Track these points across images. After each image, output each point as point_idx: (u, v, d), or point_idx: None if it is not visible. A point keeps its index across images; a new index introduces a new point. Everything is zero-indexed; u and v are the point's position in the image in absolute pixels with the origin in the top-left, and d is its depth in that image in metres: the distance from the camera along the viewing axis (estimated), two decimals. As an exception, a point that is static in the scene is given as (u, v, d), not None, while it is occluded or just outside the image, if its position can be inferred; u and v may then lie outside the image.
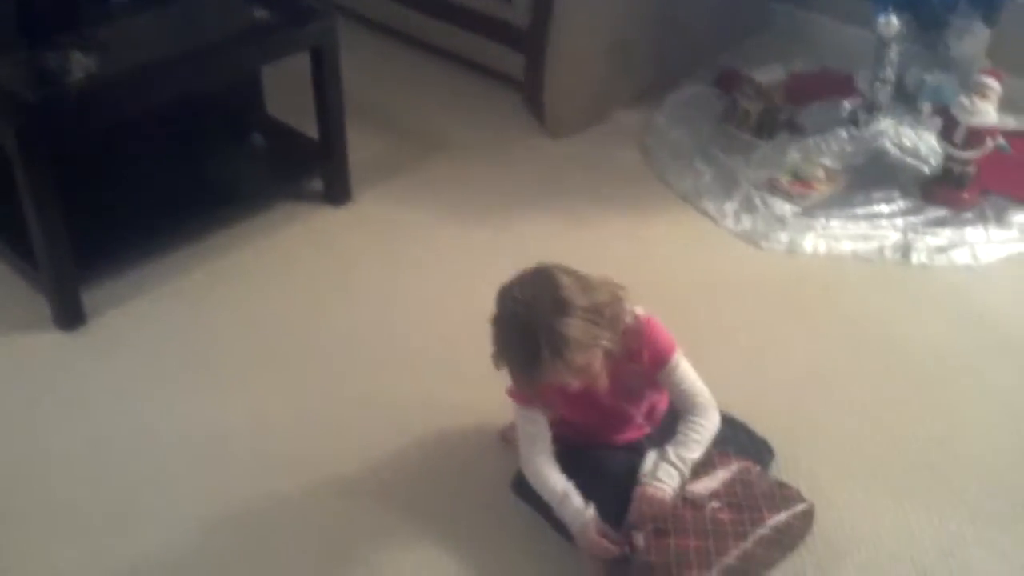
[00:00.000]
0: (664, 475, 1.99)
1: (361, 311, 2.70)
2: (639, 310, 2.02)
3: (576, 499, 2.01)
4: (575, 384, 1.93)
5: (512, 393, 2.05)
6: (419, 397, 2.43)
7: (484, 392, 2.12)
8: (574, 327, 1.85)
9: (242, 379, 2.50)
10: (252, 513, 2.18)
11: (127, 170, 2.90)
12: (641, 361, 2.02)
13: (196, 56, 2.64)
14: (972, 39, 3.31)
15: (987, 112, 2.89)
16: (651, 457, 2.04)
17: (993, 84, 2.88)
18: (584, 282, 1.91)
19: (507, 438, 2.27)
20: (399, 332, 2.63)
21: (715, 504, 1.99)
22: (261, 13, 2.75)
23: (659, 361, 2.03)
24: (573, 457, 2.09)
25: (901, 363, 2.51)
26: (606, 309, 1.91)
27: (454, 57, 3.66)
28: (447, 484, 2.23)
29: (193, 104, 2.90)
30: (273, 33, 2.75)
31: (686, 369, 2.06)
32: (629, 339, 1.98)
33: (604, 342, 1.91)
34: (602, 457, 2.10)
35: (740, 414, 2.19)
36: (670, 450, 2.02)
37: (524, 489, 2.13)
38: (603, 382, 1.98)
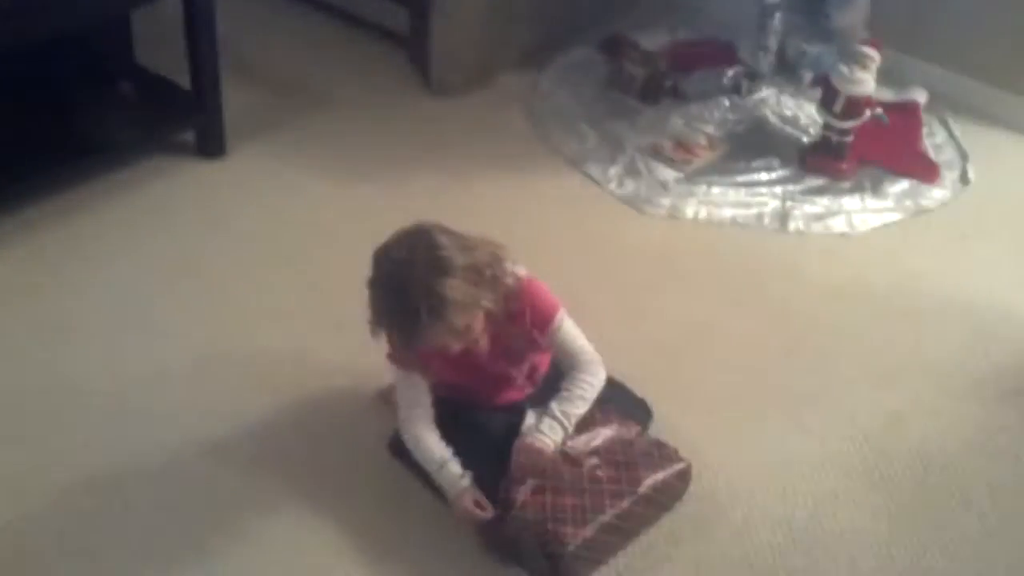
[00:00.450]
0: (546, 428, 1.96)
1: (234, 268, 2.60)
2: (520, 271, 1.97)
3: (453, 466, 1.97)
4: (455, 347, 1.88)
5: (391, 357, 2.00)
6: (294, 356, 2.35)
7: (362, 352, 2.05)
8: (454, 288, 1.79)
9: (106, 339, 2.38)
10: (113, 474, 2.08)
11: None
12: (523, 322, 1.98)
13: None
14: (852, 10, 3.37)
15: (866, 82, 2.93)
16: (533, 413, 2.02)
17: (872, 55, 2.92)
18: (463, 242, 1.86)
19: (386, 399, 2.22)
20: (274, 289, 2.54)
21: (594, 461, 1.98)
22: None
23: (542, 321, 1.99)
24: (452, 418, 2.04)
25: (777, 327, 2.53)
26: (486, 269, 1.86)
27: (339, 12, 3.56)
28: (322, 445, 2.16)
29: (55, 50, 2.74)
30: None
31: (569, 328, 2.02)
32: (510, 300, 1.93)
33: (485, 303, 1.86)
34: (481, 418, 2.07)
35: (619, 375, 2.18)
36: (554, 405, 1.99)
37: (401, 450, 2.09)
38: (484, 344, 1.94)
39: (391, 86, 3.32)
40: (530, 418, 2.01)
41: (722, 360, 2.43)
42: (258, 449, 2.15)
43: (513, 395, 2.11)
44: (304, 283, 2.56)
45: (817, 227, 2.86)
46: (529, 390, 2.12)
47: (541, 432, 1.96)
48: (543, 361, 2.14)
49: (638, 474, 1.97)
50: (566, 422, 1.98)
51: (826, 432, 2.26)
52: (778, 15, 3.19)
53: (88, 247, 2.62)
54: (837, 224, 2.87)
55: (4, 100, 2.75)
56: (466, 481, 1.96)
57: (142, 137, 2.88)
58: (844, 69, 2.94)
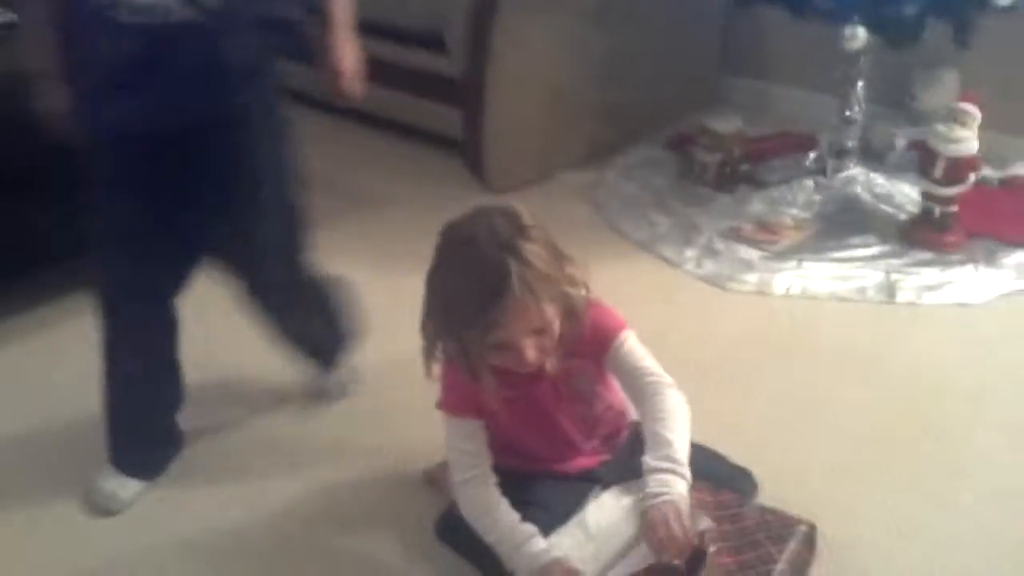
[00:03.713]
0: (659, 486, 1.53)
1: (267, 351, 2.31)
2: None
3: (535, 543, 1.56)
4: (531, 352, 1.54)
5: (445, 401, 1.67)
6: (328, 439, 2.06)
7: (404, 434, 1.94)
8: (537, 254, 1.52)
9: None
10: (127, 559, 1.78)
11: None
12: (584, 347, 1.64)
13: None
14: (941, 89, 3.11)
15: (967, 140, 2.62)
16: (613, 493, 1.64)
17: (971, 110, 2.62)
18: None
19: (432, 479, 1.87)
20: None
21: (712, 548, 1.55)
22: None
23: (604, 339, 1.65)
24: (511, 489, 1.65)
25: (890, 391, 2.16)
26: (564, 260, 1.59)
27: (388, 121, 3.40)
28: (362, 533, 1.82)
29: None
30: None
31: (634, 347, 1.67)
32: (575, 323, 1.61)
33: (568, 289, 1.58)
34: (547, 488, 1.69)
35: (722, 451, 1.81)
36: (650, 458, 1.57)
37: (450, 534, 1.74)
38: (552, 367, 1.61)
39: (445, 186, 3.09)
40: (608, 498, 1.63)
41: (833, 426, 2.05)
42: (289, 537, 1.81)
43: (584, 461, 1.74)
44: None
45: (930, 297, 2.49)
46: (604, 456, 1.75)
47: (657, 495, 1.52)
48: (618, 422, 1.78)
49: (768, 551, 1.57)
50: (677, 466, 1.55)
51: (960, 505, 1.85)
52: (861, 84, 2.92)
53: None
54: (952, 295, 2.50)
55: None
56: (555, 552, 1.55)
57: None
58: (941, 128, 2.64)
